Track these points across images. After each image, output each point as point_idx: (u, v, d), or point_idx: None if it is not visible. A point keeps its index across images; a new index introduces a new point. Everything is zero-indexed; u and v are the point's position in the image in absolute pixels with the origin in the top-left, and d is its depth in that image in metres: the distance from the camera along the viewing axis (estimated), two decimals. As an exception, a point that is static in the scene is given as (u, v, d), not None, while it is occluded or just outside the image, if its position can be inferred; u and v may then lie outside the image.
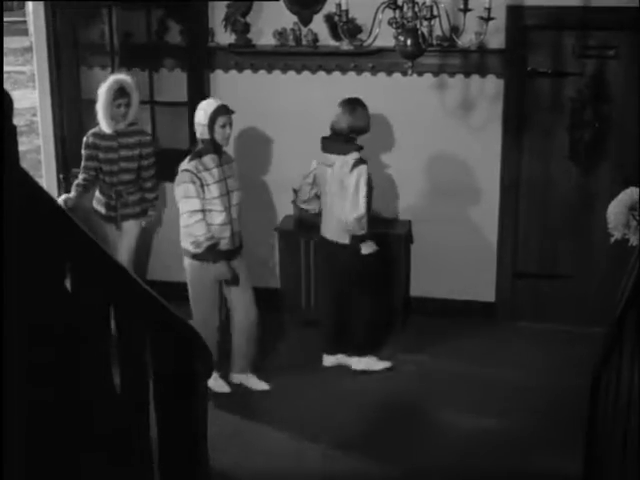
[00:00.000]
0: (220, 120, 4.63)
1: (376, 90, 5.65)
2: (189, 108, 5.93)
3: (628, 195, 4.22)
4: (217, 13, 5.77)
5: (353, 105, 4.96)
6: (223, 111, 4.65)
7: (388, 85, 5.67)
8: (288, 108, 5.82)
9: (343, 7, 4.24)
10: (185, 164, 4.70)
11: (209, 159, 4.68)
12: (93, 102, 5.30)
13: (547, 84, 5.55)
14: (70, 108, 6.06)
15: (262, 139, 5.95)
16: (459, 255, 5.85)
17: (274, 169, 5.95)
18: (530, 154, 5.65)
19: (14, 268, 1.57)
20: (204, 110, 4.66)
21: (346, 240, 4.97)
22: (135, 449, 2.32)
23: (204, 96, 5.87)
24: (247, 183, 5.99)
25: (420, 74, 5.54)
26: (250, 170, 5.97)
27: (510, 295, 5.85)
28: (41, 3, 5.89)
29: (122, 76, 5.27)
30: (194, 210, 4.60)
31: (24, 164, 1.59)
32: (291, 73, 5.80)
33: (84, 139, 5.38)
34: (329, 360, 5.31)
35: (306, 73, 5.78)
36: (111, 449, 2.14)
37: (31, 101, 8.06)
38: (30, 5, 6.15)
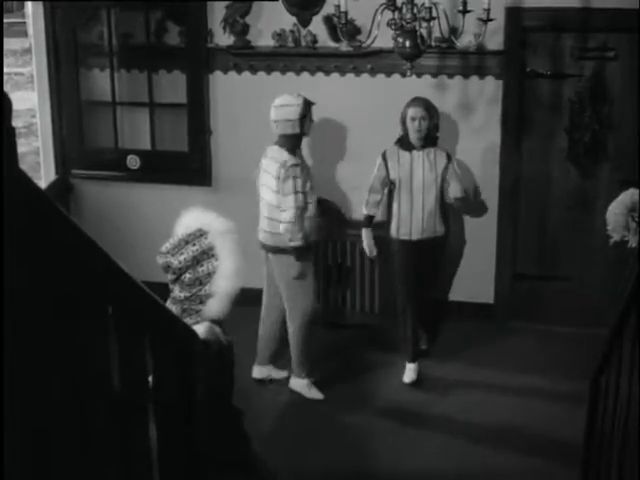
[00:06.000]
0: None
1: (375, 91, 5.66)
2: (188, 109, 5.94)
3: (628, 196, 4.22)
4: (216, 14, 5.77)
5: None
6: None
7: (387, 86, 5.67)
8: (287, 109, 5.81)
9: (342, 8, 4.25)
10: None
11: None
12: (92, 103, 5.25)
13: (546, 85, 5.55)
14: (69, 109, 6.05)
15: (261, 140, 5.94)
16: (458, 256, 5.85)
17: (273, 170, 5.93)
18: (529, 155, 5.65)
19: (14, 271, 1.57)
20: None
21: None
22: (134, 450, 2.32)
23: (203, 97, 5.89)
24: (246, 184, 6.00)
25: (419, 75, 5.54)
26: (249, 171, 5.96)
27: (509, 296, 5.85)
28: (40, 4, 5.88)
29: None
30: None
31: (23, 166, 1.59)
32: (290, 74, 5.80)
33: None
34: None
35: (305, 74, 5.79)
36: (110, 450, 2.14)
37: (30, 102, 8.04)
38: (29, 6, 6.14)
